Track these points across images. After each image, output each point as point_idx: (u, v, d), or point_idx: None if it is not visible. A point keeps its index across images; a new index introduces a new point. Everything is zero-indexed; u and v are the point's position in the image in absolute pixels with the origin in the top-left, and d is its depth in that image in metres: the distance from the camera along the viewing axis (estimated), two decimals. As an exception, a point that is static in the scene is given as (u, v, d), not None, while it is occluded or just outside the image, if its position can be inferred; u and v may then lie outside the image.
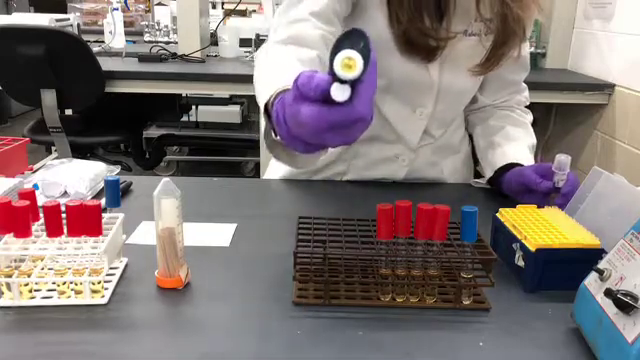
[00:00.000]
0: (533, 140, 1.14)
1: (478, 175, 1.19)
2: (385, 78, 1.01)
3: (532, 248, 0.71)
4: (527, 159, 1.05)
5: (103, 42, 3.09)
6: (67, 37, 2.39)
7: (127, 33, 3.21)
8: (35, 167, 1.12)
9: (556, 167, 0.88)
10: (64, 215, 0.67)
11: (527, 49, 1.13)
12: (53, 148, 2.99)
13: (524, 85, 1.19)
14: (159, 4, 3.91)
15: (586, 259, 0.67)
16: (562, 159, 0.87)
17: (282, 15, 0.94)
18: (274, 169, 1.22)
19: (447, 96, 1.05)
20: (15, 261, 0.67)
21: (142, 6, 4.50)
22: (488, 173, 1.09)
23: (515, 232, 0.76)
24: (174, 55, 2.78)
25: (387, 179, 1.13)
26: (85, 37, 2.75)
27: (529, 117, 1.19)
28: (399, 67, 0.99)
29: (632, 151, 2.24)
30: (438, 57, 0.98)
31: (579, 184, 0.87)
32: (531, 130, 1.16)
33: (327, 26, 0.91)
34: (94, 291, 0.67)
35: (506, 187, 1.02)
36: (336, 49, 0.50)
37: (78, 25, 3.38)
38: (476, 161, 1.22)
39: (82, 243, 0.68)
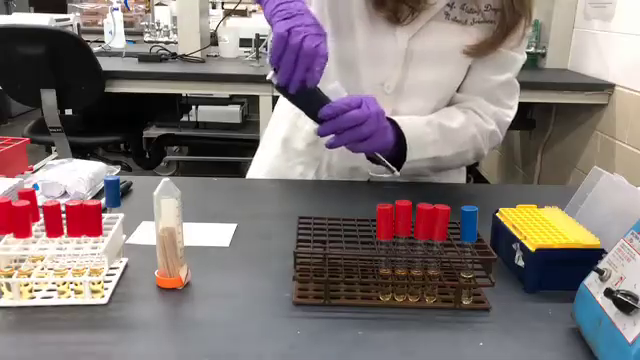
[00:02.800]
0: (442, 120, 1.03)
1: (480, 178, 1.18)
2: (350, 52, 1.02)
3: (532, 248, 0.71)
4: (405, 120, 0.99)
5: (103, 42, 3.10)
6: (67, 37, 2.39)
7: (127, 33, 3.22)
8: (35, 167, 1.12)
9: (328, 92, 0.88)
10: (64, 215, 0.67)
11: (518, 56, 1.05)
12: (53, 148, 2.99)
13: (507, 102, 1.08)
14: (159, 4, 3.91)
15: (586, 259, 0.67)
16: (334, 86, 0.88)
17: None
18: (257, 167, 1.23)
19: (416, 67, 1.02)
20: (15, 261, 0.67)
21: (142, 6, 4.49)
22: None
23: (515, 232, 0.76)
24: (174, 55, 2.78)
25: (362, 169, 1.12)
26: (85, 37, 2.76)
27: (478, 121, 1.05)
28: (365, 36, 1.00)
29: (632, 151, 2.24)
30: (405, 19, 0.97)
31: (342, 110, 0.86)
32: (459, 125, 1.04)
33: None
34: (94, 291, 0.67)
35: None
36: None
37: (78, 25, 3.38)
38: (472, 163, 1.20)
39: (82, 243, 0.68)
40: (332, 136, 0.89)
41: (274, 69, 0.85)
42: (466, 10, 0.99)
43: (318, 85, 0.86)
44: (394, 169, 0.96)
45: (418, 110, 1.05)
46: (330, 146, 0.90)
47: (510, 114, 1.10)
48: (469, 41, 1.01)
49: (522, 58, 1.08)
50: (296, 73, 0.82)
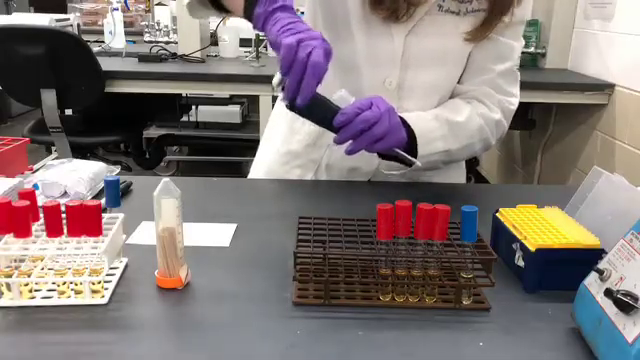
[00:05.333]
0: (448, 115, 1.03)
1: (480, 178, 1.18)
2: (348, 54, 1.02)
3: (532, 248, 0.71)
4: (413, 117, 1.01)
5: (103, 42, 3.10)
6: (67, 37, 2.40)
7: (127, 33, 3.21)
8: (35, 167, 1.12)
9: (336, 101, 0.88)
10: (64, 215, 0.67)
11: (514, 43, 1.07)
12: (53, 148, 2.99)
13: (510, 90, 1.09)
14: (159, 4, 3.91)
15: (586, 259, 0.67)
16: (341, 94, 0.89)
17: None
18: (255, 170, 1.24)
19: (415, 68, 1.03)
20: (15, 261, 0.67)
21: (142, 6, 4.49)
22: None
23: (515, 232, 0.76)
24: (174, 55, 2.78)
25: (361, 170, 1.12)
26: (85, 37, 2.76)
27: (484, 111, 1.06)
28: (363, 38, 1.01)
29: (632, 151, 2.24)
30: (403, 16, 0.98)
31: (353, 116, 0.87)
32: (465, 118, 1.04)
33: None
34: (94, 291, 0.67)
35: None
36: None
37: (78, 25, 3.38)
38: (472, 162, 1.20)
39: (82, 243, 0.68)
40: (350, 142, 0.90)
41: (282, 88, 0.85)
42: (459, 0, 1.00)
43: (325, 95, 0.86)
44: (415, 160, 0.96)
45: (422, 105, 1.06)
46: (349, 152, 0.91)
47: (514, 102, 1.10)
48: (465, 31, 1.01)
49: (519, 45, 1.08)
50: (304, 86, 0.82)
